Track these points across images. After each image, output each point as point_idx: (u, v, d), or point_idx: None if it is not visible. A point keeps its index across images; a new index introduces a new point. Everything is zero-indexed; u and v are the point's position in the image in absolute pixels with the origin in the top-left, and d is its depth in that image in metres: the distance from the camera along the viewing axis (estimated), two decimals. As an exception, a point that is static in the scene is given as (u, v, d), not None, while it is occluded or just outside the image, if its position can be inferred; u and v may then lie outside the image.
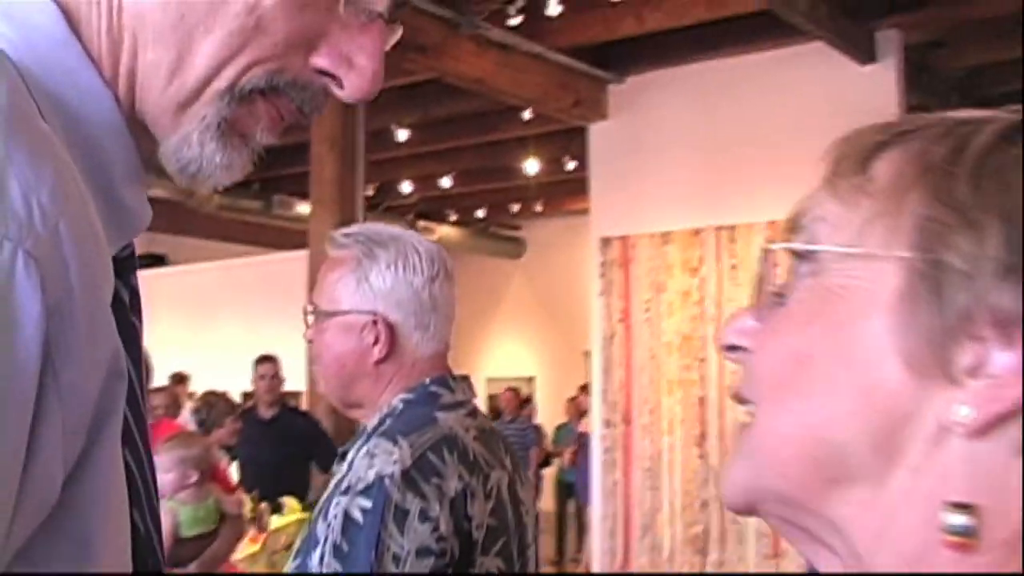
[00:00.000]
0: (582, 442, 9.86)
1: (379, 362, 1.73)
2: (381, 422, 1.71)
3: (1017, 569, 0.52)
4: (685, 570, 7.11)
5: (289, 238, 10.83)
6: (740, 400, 0.63)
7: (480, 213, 13.64)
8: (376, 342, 1.72)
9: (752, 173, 6.89)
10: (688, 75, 7.25)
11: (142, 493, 0.79)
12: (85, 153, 0.70)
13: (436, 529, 1.55)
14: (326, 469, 5.23)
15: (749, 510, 0.62)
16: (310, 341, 1.79)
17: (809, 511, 0.58)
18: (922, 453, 0.54)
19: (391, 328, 1.72)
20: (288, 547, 4.37)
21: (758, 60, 6.91)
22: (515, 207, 13.00)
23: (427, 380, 1.74)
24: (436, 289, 1.75)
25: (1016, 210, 0.53)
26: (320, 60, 0.73)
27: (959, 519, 0.53)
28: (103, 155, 0.73)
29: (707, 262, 7.48)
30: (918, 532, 0.54)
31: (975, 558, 0.53)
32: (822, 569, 0.61)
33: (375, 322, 1.72)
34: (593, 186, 7.88)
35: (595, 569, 7.97)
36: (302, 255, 6.78)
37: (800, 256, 0.60)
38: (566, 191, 11.34)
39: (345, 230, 1.81)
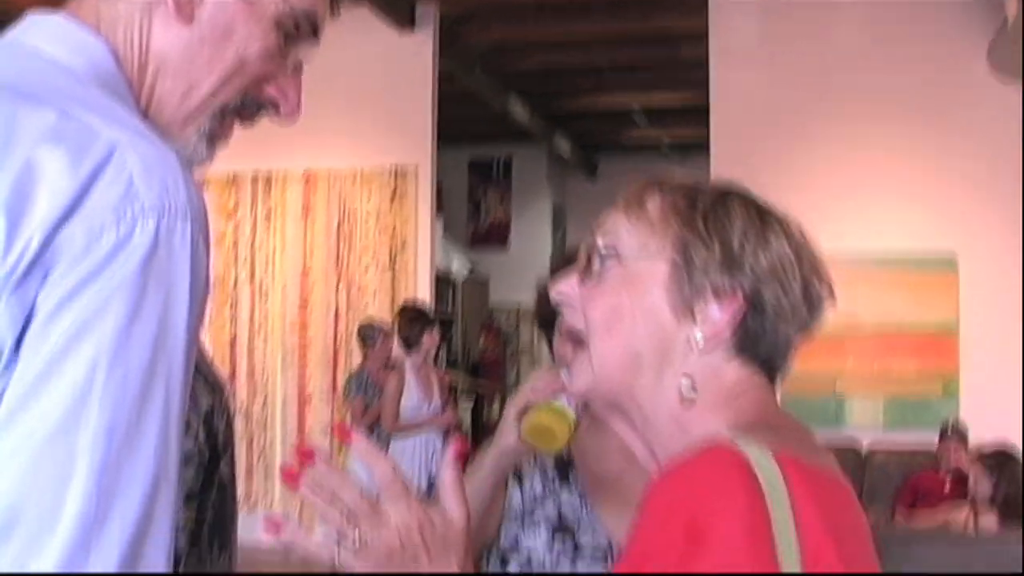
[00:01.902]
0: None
1: None
2: None
3: (719, 412, 0.99)
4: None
5: None
6: (575, 332, 1.09)
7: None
8: None
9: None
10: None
11: None
12: None
13: (196, 439, 1.67)
14: None
15: (587, 397, 1.11)
16: None
17: (624, 395, 1.05)
18: (680, 359, 1.02)
19: None
20: None
21: (303, 17, 7.10)
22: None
23: None
24: None
25: (730, 238, 1.02)
26: (270, 90, 1.12)
27: (687, 384, 1.01)
28: None
29: (242, 207, 7.63)
30: (677, 400, 1.02)
31: (697, 408, 1.01)
32: (628, 440, 1.08)
33: None
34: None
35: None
36: None
37: (609, 253, 1.06)
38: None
39: None
